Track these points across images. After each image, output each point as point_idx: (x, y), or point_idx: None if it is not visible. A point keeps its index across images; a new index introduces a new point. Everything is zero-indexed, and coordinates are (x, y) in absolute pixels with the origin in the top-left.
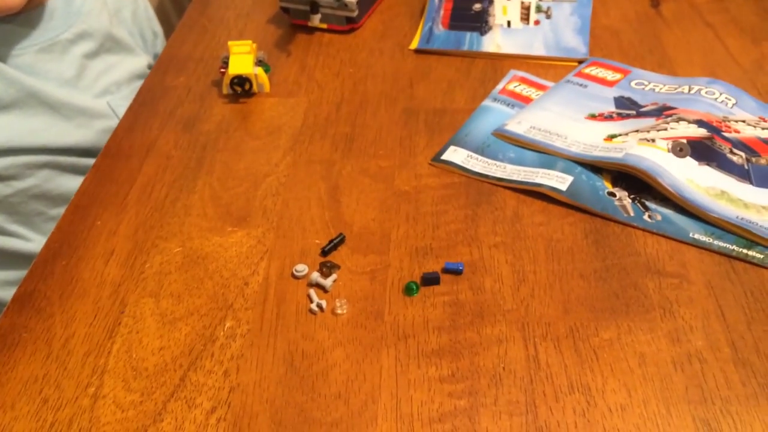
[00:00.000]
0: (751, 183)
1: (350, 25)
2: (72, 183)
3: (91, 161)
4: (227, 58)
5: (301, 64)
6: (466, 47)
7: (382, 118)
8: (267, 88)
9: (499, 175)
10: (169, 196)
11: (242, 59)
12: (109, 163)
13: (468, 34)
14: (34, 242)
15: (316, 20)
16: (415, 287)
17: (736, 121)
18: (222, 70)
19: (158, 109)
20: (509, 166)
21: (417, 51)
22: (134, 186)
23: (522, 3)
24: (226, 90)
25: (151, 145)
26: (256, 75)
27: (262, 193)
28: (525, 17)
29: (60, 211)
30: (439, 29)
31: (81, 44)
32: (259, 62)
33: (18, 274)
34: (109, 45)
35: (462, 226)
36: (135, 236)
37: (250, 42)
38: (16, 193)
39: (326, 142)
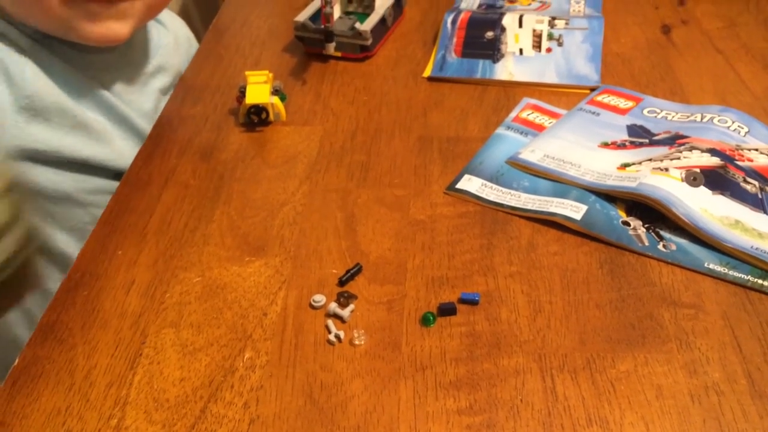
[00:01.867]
0: (765, 212)
1: (364, 53)
2: None
3: None
4: (244, 87)
5: (316, 92)
6: (479, 75)
7: (397, 147)
8: (283, 116)
9: (513, 204)
10: (188, 226)
11: (259, 89)
12: (129, 192)
13: (481, 62)
14: None
15: (330, 49)
16: (431, 318)
17: (749, 150)
18: (239, 99)
19: (176, 137)
20: (523, 195)
21: (430, 79)
22: (153, 215)
23: (534, 31)
24: (242, 119)
25: (170, 174)
26: (272, 104)
27: (279, 222)
28: (537, 45)
29: None
30: (452, 57)
31: (159, 78)
32: (275, 91)
33: None
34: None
35: (477, 255)
36: (155, 266)
37: (266, 72)
38: (94, 222)
39: (342, 170)
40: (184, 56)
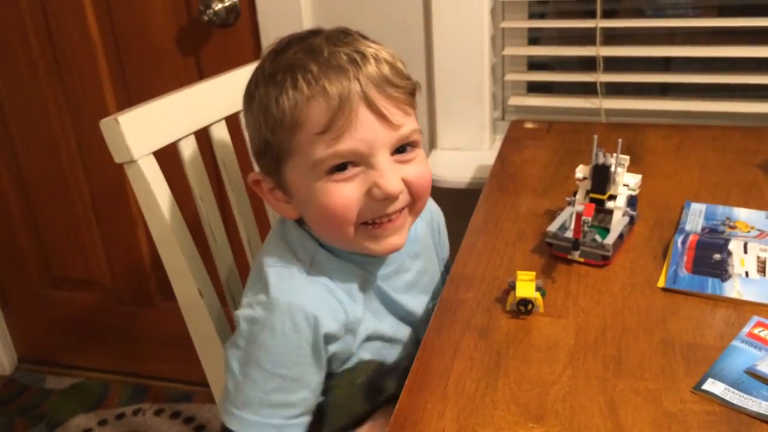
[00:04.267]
0: None
1: (604, 261)
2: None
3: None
4: (514, 282)
5: (564, 290)
6: (709, 291)
7: (643, 346)
8: (541, 309)
9: (755, 409)
10: (478, 391)
11: (526, 285)
12: (428, 357)
13: (710, 280)
14: None
15: (575, 255)
16: None
17: None
18: (507, 291)
19: (457, 317)
20: (764, 403)
21: (664, 289)
22: (450, 379)
23: (758, 257)
24: (509, 307)
25: (457, 346)
26: (536, 298)
27: (552, 398)
28: (761, 270)
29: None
30: (683, 272)
31: (416, 262)
32: (537, 288)
33: None
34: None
35: None
36: (458, 420)
37: (533, 273)
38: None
39: (597, 360)
40: (434, 234)
